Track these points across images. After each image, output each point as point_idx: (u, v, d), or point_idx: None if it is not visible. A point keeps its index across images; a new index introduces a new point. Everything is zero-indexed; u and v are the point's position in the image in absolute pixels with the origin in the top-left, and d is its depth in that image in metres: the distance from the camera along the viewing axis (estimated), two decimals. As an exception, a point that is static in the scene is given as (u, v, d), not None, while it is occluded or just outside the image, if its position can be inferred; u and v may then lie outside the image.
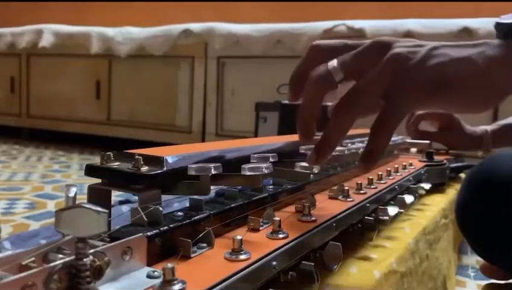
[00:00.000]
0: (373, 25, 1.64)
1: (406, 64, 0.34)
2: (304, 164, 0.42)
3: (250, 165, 0.32)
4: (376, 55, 0.36)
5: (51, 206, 1.12)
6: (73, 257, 0.19)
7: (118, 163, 0.32)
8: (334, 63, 0.37)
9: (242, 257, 0.26)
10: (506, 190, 0.45)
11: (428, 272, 0.53)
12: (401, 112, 0.35)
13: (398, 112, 0.35)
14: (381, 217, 0.44)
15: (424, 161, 0.74)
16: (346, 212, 0.39)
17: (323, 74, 0.38)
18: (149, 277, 0.23)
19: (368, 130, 0.36)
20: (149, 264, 0.24)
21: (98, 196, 0.32)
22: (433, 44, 0.35)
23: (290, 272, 0.30)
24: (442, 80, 0.33)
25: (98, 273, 0.19)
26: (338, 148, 0.53)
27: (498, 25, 0.36)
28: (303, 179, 0.43)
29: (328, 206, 0.40)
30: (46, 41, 2.27)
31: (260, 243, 0.29)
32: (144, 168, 0.31)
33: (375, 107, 0.38)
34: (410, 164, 0.67)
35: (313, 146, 0.38)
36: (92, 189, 0.32)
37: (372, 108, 0.38)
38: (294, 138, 0.59)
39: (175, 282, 0.21)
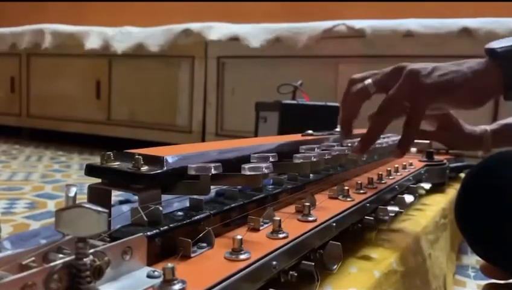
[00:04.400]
0: (373, 25, 1.64)
1: (418, 75, 0.50)
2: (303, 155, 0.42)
3: (250, 165, 0.32)
4: (398, 75, 0.52)
5: (51, 206, 1.12)
6: (73, 257, 0.19)
7: (118, 163, 0.32)
8: (369, 80, 0.55)
9: (242, 256, 0.26)
10: (505, 190, 0.45)
11: (433, 271, 0.53)
12: (421, 109, 0.51)
13: (419, 109, 0.51)
14: (381, 217, 0.44)
15: (424, 161, 0.74)
16: (346, 212, 0.39)
17: (361, 88, 0.55)
18: (149, 276, 0.23)
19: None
20: (149, 264, 0.24)
21: (98, 196, 0.32)
22: (436, 64, 0.52)
23: (290, 272, 0.30)
24: (445, 85, 0.49)
25: (98, 273, 0.19)
26: (339, 148, 0.53)
27: (486, 49, 0.50)
28: (303, 170, 0.43)
29: (328, 206, 0.40)
30: (47, 41, 2.27)
31: (260, 243, 0.29)
32: (144, 168, 0.31)
33: (403, 110, 0.53)
34: (410, 164, 0.67)
35: (315, 146, 0.45)
36: (92, 189, 0.32)
37: (401, 111, 0.54)
38: (295, 137, 0.59)
39: (175, 282, 0.21)
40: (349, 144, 0.54)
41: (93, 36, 2.16)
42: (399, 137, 0.53)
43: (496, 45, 0.50)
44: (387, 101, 0.51)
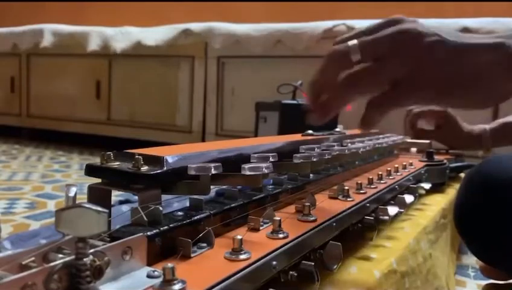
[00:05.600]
0: (373, 25, 1.64)
1: (428, 52, 0.35)
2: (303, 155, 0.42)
3: (250, 165, 0.32)
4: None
5: (51, 206, 1.12)
6: (73, 257, 0.19)
7: (118, 163, 0.32)
8: (354, 41, 0.38)
9: (242, 256, 0.26)
10: (504, 191, 0.45)
11: (433, 270, 0.53)
12: (407, 101, 0.37)
13: (403, 100, 0.36)
14: (381, 217, 0.44)
15: (424, 161, 0.74)
16: (346, 212, 0.39)
17: (341, 51, 0.38)
18: (149, 276, 0.23)
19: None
20: (149, 264, 0.24)
21: (98, 196, 0.32)
22: (450, 40, 0.35)
23: (290, 272, 0.30)
24: (454, 81, 0.35)
25: (98, 273, 0.19)
26: (339, 148, 0.53)
27: None
28: (303, 170, 0.42)
29: (328, 206, 0.40)
30: (47, 41, 2.27)
31: (260, 243, 0.29)
32: (144, 168, 0.31)
33: (379, 89, 0.38)
34: (410, 164, 0.67)
35: (315, 146, 0.42)
36: (92, 189, 0.32)
37: (376, 90, 0.38)
38: (294, 137, 0.59)
39: (175, 282, 0.21)
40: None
41: (94, 38, 2.16)
42: (399, 137, 0.49)
43: None
44: (366, 71, 0.37)
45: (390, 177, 0.56)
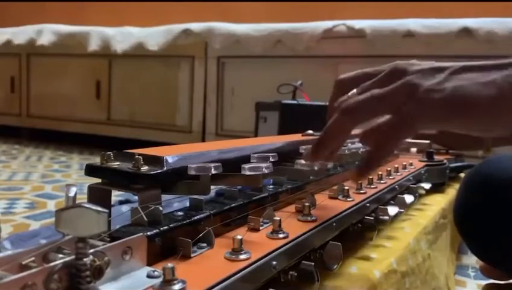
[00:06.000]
0: (373, 25, 1.64)
1: (421, 87, 0.33)
2: (304, 161, 0.42)
3: (250, 165, 0.32)
4: (395, 80, 0.35)
5: (51, 206, 1.12)
6: (73, 257, 0.19)
7: (118, 163, 0.32)
8: (354, 92, 0.37)
9: (242, 256, 0.26)
10: (504, 191, 0.45)
11: (432, 271, 0.53)
12: (412, 128, 0.33)
13: (406, 128, 0.33)
14: (381, 217, 0.44)
15: (424, 161, 0.74)
16: (346, 212, 0.39)
17: (341, 100, 0.37)
18: (149, 276, 0.23)
19: None
20: (149, 264, 0.24)
21: (98, 196, 0.32)
22: (456, 67, 0.34)
23: (290, 272, 0.30)
24: (462, 102, 0.32)
25: (98, 273, 0.19)
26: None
27: None
28: (303, 177, 0.43)
29: (328, 206, 0.40)
30: (47, 41, 2.27)
31: (260, 243, 0.29)
32: (144, 168, 0.31)
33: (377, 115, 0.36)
34: (410, 164, 0.67)
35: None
36: (92, 189, 0.32)
37: (375, 115, 0.36)
38: (294, 137, 0.59)
39: (175, 282, 0.21)
40: (349, 144, 0.44)
41: (95, 38, 2.16)
42: None
43: None
44: (366, 100, 0.35)
45: (390, 177, 0.56)
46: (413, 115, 0.33)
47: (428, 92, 0.33)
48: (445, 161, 0.77)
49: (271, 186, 0.41)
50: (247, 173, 0.32)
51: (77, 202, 0.21)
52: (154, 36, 2.04)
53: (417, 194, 0.57)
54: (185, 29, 1.98)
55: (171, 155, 0.33)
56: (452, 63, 0.35)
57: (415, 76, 0.34)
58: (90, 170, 0.32)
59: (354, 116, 0.35)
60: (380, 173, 0.55)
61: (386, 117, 0.35)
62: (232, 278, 0.24)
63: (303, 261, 0.30)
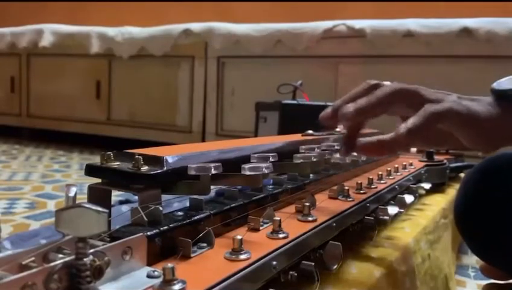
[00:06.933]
0: (373, 25, 1.64)
1: (446, 101, 0.40)
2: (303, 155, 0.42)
3: (250, 165, 0.32)
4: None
5: (51, 206, 1.12)
6: (73, 257, 0.19)
7: (118, 163, 0.32)
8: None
9: (242, 256, 0.26)
10: (504, 190, 0.45)
11: (431, 271, 0.53)
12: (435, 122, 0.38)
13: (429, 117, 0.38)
14: (381, 217, 0.44)
15: (424, 161, 0.74)
16: (346, 212, 0.39)
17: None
18: (149, 276, 0.23)
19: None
20: (149, 264, 0.24)
21: (98, 196, 0.32)
22: (457, 95, 0.42)
23: (290, 272, 0.30)
24: (471, 115, 0.39)
25: (98, 273, 0.19)
26: (338, 148, 0.53)
27: (493, 90, 0.42)
28: (304, 170, 0.42)
29: (328, 206, 0.40)
30: (47, 40, 2.27)
31: (260, 243, 0.29)
32: (144, 168, 0.31)
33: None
34: (410, 164, 0.67)
35: (315, 146, 0.43)
36: (92, 189, 0.32)
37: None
38: (294, 137, 0.59)
39: (175, 282, 0.21)
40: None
41: (96, 39, 2.16)
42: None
43: (506, 85, 0.42)
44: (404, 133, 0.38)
45: (390, 177, 0.56)
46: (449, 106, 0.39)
47: (454, 101, 0.40)
48: (445, 161, 0.77)
49: (271, 186, 0.41)
50: (247, 173, 0.32)
51: (77, 202, 0.21)
52: (156, 39, 2.03)
53: (417, 194, 0.57)
54: (185, 29, 1.98)
55: (171, 155, 0.33)
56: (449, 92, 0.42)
57: (440, 94, 0.41)
58: (90, 170, 0.32)
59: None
60: (380, 173, 0.55)
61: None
62: (232, 278, 0.24)
63: (303, 261, 0.30)
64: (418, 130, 0.39)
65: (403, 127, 0.38)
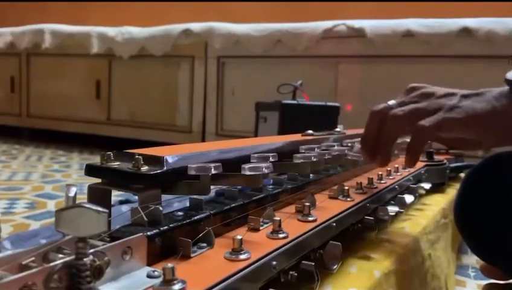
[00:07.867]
0: (373, 25, 1.64)
1: (446, 105, 0.45)
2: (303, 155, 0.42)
3: (250, 165, 0.32)
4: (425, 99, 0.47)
5: (51, 206, 1.12)
6: (73, 257, 0.19)
7: (118, 163, 0.32)
8: (392, 101, 0.49)
9: (242, 256, 0.26)
10: (504, 190, 0.45)
11: (431, 271, 0.53)
12: (438, 129, 0.44)
13: (436, 127, 0.44)
14: (381, 217, 0.44)
15: (424, 161, 0.74)
16: (346, 212, 0.39)
17: (383, 107, 0.49)
18: (149, 276, 0.23)
19: None
20: (149, 264, 0.24)
21: (98, 196, 0.32)
22: (462, 93, 0.46)
23: (290, 272, 0.30)
24: (472, 114, 0.43)
25: (98, 273, 0.19)
26: (339, 148, 0.53)
27: (506, 80, 0.44)
28: (304, 170, 0.43)
29: (328, 206, 0.40)
30: (47, 41, 2.27)
31: (260, 243, 0.29)
32: (144, 168, 0.31)
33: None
34: (410, 164, 0.67)
35: (315, 146, 0.44)
36: (92, 189, 0.32)
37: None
38: (294, 137, 0.59)
39: (175, 282, 0.21)
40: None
41: (96, 39, 2.16)
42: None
43: None
44: (412, 110, 0.46)
45: (390, 177, 0.56)
46: (442, 119, 0.44)
47: (452, 107, 0.44)
48: (445, 161, 0.77)
49: (271, 186, 0.41)
50: (247, 173, 0.32)
51: (77, 202, 0.21)
52: (156, 39, 2.03)
53: (417, 194, 0.57)
54: (185, 29, 1.98)
55: (171, 155, 0.33)
56: (457, 90, 0.47)
57: (442, 98, 0.46)
58: (90, 170, 0.32)
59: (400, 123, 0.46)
60: (380, 173, 0.55)
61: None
62: (232, 278, 0.24)
63: (303, 261, 0.30)
64: (417, 152, 0.46)
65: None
